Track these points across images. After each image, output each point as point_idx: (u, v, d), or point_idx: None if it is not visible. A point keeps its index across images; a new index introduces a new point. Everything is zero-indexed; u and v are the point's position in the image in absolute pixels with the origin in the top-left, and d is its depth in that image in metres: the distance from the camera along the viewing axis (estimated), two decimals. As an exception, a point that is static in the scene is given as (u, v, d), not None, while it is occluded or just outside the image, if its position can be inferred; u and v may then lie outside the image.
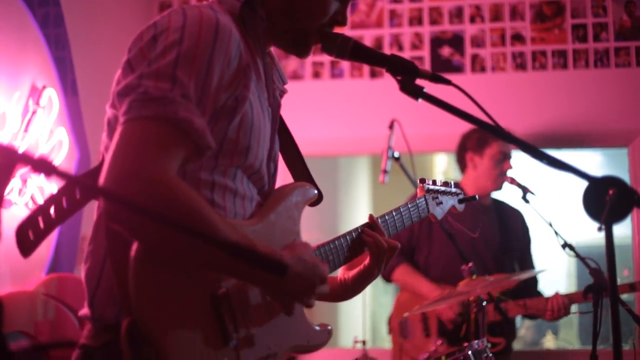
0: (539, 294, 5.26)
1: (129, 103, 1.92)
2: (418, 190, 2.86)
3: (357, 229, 2.51)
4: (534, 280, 5.37)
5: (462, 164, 5.51)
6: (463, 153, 5.47)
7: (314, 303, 2.17)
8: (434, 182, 2.88)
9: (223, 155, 2.09)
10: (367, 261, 2.51)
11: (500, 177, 5.32)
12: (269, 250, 2.04)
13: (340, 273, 2.58)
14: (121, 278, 1.89)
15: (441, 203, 2.88)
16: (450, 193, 2.94)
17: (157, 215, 1.70)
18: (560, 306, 4.97)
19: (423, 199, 2.81)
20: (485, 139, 5.33)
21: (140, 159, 1.87)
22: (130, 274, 1.86)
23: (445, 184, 2.93)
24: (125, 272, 1.87)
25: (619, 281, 4.87)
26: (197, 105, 1.96)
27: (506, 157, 5.32)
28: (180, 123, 1.91)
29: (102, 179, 1.86)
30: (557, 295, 5.01)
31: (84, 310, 2.09)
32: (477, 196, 3.07)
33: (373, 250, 2.48)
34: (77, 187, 2.07)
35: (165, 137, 1.91)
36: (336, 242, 2.43)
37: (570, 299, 5.00)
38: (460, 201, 2.97)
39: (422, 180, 2.85)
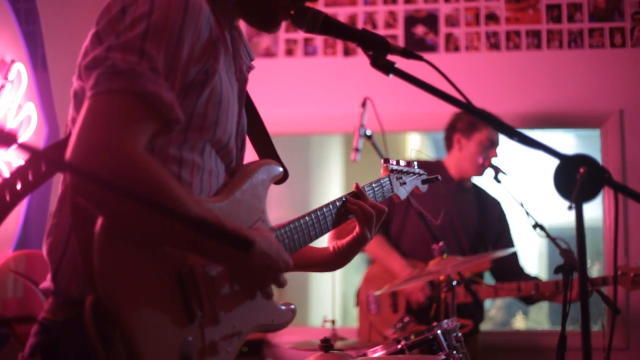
0: (527, 277, 5.28)
1: (97, 76, 1.89)
2: (382, 170, 2.85)
3: (341, 198, 2.53)
4: (515, 264, 5.38)
5: (449, 143, 5.52)
6: (452, 132, 5.47)
7: (272, 293, 2.17)
8: (398, 162, 2.88)
9: (192, 129, 2.07)
10: (357, 229, 2.53)
11: (484, 163, 5.32)
12: (236, 227, 2.04)
13: (331, 243, 2.60)
14: (85, 253, 1.86)
15: (405, 183, 2.88)
16: (414, 173, 2.94)
17: (123, 190, 1.67)
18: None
19: (387, 178, 2.80)
20: (475, 124, 5.34)
21: (108, 133, 1.84)
22: (94, 249, 1.83)
23: (409, 164, 2.94)
24: (89, 248, 1.84)
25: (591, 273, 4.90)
26: (166, 79, 1.93)
27: (493, 144, 5.33)
28: (148, 97, 1.88)
29: (68, 152, 1.83)
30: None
31: (46, 284, 2.05)
32: (439, 177, 3.07)
33: (359, 216, 2.51)
34: (43, 160, 2.04)
35: (134, 111, 1.88)
36: (324, 209, 2.47)
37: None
38: (423, 182, 2.96)
39: (386, 161, 2.85)
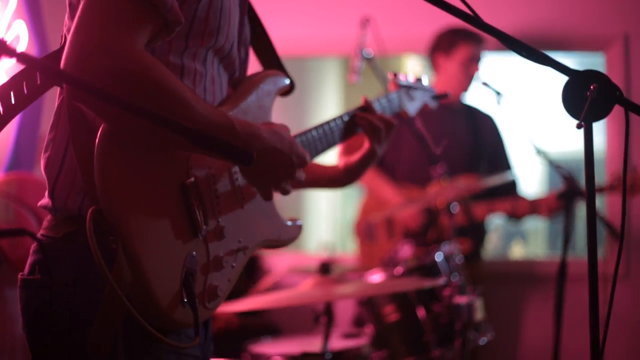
0: (519, 196, 5.26)
1: None
2: (390, 85, 2.76)
3: (349, 112, 2.49)
4: (512, 183, 5.35)
5: (432, 65, 5.45)
6: (432, 54, 5.39)
7: (290, 189, 2.12)
8: (407, 77, 2.79)
9: (193, 35, 1.98)
10: (366, 144, 2.50)
11: (467, 81, 5.28)
12: (246, 125, 1.97)
13: (340, 160, 2.58)
14: (85, 165, 1.81)
15: (413, 99, 2.80)
16: (424, 89, 2.85)
17: (121, 100, 1.60)
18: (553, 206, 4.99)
19: (396, 94, 2.72)
20: (454, 42, 5.28)
21: (105, 32, 1.75)
22: (95, 160, 1.77)
23: (419, 80, 2.85)
24: (89, 159, 1.79)
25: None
26: None
27: (474, 60, 5.26)
28: None
29: (63, 58, 1.76)
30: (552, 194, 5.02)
31: (44, 201, 2.00)
32: (449, 93, 2.99)
33: (368, 131, 2.47)
34: (38, 71, 1.95)
35: (132, 10, 1.79)
36: (330, 123, 2.43)
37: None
38: (434, 98, 2.87)
39: (395, 75, 2.75)
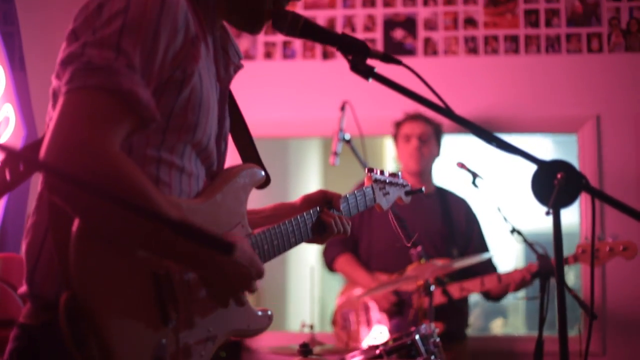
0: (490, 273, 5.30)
1: (72, 72, 1.88)
2: (365, 179, 2.86)
3: (316, 209, 2.52)
4: (489, 264, 5.39)
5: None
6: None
7: (246, 300, 2.17)
8: (382, 172, 2.89)
9: (170, 130, 2.06)
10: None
11: (411, 157, 5.43)
12: (212, 231, 2.02)
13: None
14: (62, 253, 1.86)
15: (388, 194, 2.89)
16: (397, 184, 2.95)
17: (97, 190, 1.66)
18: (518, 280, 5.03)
19: (370, 188, 2.80)
20: (395, 132, 5.54)
21: (82, 131, 1.83)
22: (71, 248, 1.82)
23: (393, 175, 2.94)
24: (66, 247, 1.84)
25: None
26: (142, 76, 1.93)
27: (411, 136, 5.43)
28: (123, 95, 1.87)
29: (43, 151, 1.82)
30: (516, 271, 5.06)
31: (23, 288, 2.03)
32: (423, 188, 3.08)
33: (337, 229, 2.52)
34: (21, 160, 2.03)
35: (108, 109, 1.87)
36: (305, 216, 2.47)
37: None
38: (407, 193, 2.97)
39: (370, 170, 2.86)
